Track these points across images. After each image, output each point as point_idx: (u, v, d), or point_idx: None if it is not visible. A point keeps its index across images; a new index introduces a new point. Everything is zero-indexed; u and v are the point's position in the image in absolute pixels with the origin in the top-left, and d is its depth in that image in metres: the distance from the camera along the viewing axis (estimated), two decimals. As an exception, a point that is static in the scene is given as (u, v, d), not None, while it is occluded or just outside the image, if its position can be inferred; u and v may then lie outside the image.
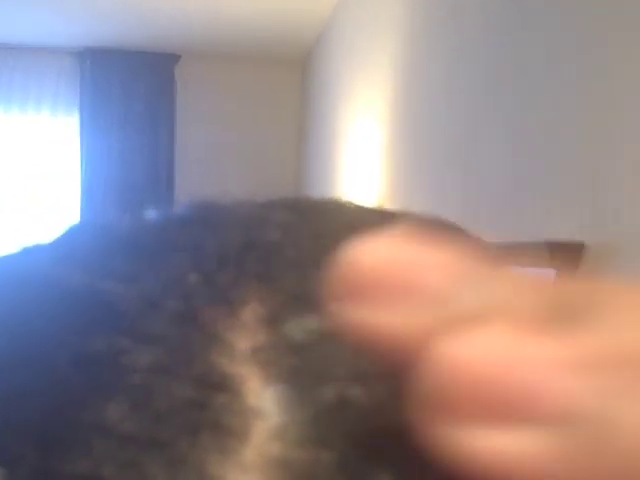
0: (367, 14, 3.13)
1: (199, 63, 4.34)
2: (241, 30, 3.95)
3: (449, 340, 0.12)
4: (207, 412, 0.16)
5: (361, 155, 3.09)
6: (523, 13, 1.77)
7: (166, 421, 0.16)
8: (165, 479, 0.15)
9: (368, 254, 0.14)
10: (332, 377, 0.17)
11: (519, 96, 1.76)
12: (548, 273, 1.41)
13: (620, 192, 1.36)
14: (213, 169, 4.36)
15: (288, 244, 0.20)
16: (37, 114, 4.26)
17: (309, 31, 3.94)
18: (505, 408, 0.12)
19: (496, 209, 1.82)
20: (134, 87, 4.26)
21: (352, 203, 0.24)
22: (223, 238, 0.20)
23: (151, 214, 0.22)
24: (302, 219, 0.22)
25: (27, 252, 0.21)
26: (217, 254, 0.19)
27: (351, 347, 0.15)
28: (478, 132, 1.98)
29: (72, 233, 0.22)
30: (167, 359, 0.17)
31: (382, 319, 0.13)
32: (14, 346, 0.18)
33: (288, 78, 4.50)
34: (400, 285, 0.13)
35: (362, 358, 0.16)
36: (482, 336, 0.12)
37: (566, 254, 1.41)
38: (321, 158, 3.85)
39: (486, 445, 0.12)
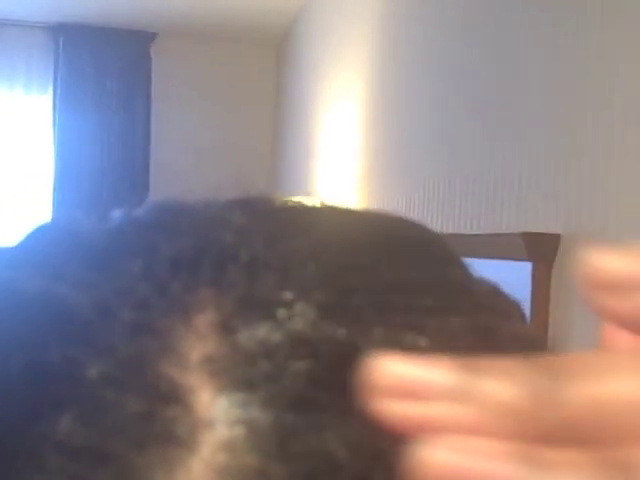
0: (345, -4, 3.12)
1: (175, 42, 4.30)
2: (218, 10, 3.92)
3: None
4: (156, 424, 0.16)
5: (337, 137, 3.08)
6: None
7: (115, 434, 0.16)
8: None
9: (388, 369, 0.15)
10: (280, 388, 0.17)
11: (498, 84, 1.77)
12: (525, 265, 1.42)
13: (595, 184, 1.37)
14: (188, 149, 4.33)
15: (242, 248, 0.20)
16: (10, 91, 4.20)
17: (285, 12, 3.91)
18: None
19: (473, 200, 1.83)
20: (109, 65, 4.22)
21: (313, 202, 0.23)
22: (178, 243, 0.20)
23: (115, 215, 0.22)
24: (258, 221, 0.21)
25: None
26: (172, 259, 0.19)
27: (299, 360, 0.17)
28: (456, 118, 1.99)
29: (34, 236, 0.22)
30: (118, 370, 0.17)
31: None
32: None
33: (264, 58, 4.48)
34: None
35: (309, 369, 0.17)
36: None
37: (542, 245, 1.42)
38: (296, 139, 3.84)
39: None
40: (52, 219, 0.22)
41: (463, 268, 0.23)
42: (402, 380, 0.15)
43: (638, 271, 0.16)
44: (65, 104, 4.17)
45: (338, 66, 3.14)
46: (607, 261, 0.16)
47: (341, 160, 3.00)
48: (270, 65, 4.49)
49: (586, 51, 1.43)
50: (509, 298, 0.23)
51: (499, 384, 0.14)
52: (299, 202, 0.23)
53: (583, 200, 1.40)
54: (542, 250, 1.41)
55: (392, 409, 0.15)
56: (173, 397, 0.16)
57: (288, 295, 0.18)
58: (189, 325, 0.18)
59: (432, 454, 0.14)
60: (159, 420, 0.16)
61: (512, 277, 1.18)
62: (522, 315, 0.23)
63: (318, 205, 0.23)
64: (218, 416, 0.16)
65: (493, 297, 0.23)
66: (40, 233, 0.22)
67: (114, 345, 0.17)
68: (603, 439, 0.14)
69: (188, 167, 4.21)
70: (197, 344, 0.17)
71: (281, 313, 0.18)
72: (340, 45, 3.13)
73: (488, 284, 0.23)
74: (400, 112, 2.44)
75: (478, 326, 0.20)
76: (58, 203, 4.12)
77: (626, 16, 1.32)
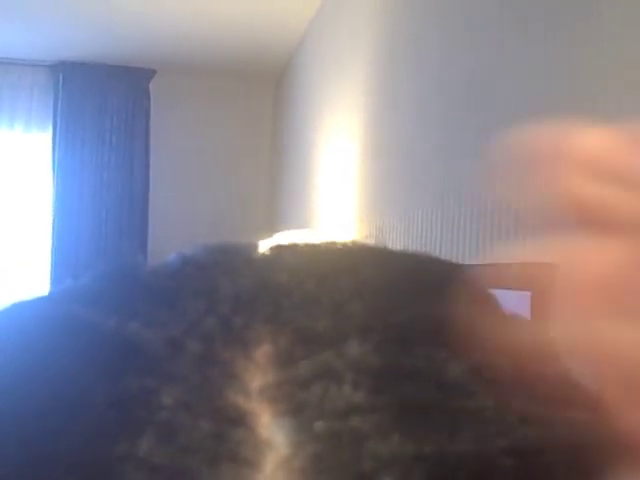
0: (341, 31, 3.15)
1: (174, 78, 4.33)
2: (216, 46, 3.96)
3: None
4: (226, 444, 0.18)
5: (335, 171, 3.10)
6: (505, 22, 1.80)
7: (190, 452, 0.18)
8: None
9: None
10: (331, 410, 0.19)
11: (501, 113, 1.78)
12: (524, 294, 1.43)
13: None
14: (188, 185, 4.35)
15: (295, 287, 0.22)
16: (10, 130, 4.23)
17: (283, 47, 3.96)
18: None
19: (470, 230, 1.84)
20: (108, 102, 4.25)
21: (348, 244, 0.26)
22: (236, 282, 0.22)
23: (171, 258, 0.24)
24: (307, 262, 0.24)
25: (56, 295, 0.24)
26: (232, 297, 0.21)
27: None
28: (452, 151, 2.00)
29: (97, 278, 0.24)
30: (189, 397, 0.19)
31: None
32: (52, 388, 0.20)
33: (262, 94, 4.52)
34: None
35: (360, 389, 0.19)
36: None
37: (539, 275, 1.43)
38: (295, 172, 3.85)
39: None
40: (116, 262, 0.24)
41: (496, 304, 0.25)
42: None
43: None
44: (64, 141, 4.19)
45: (335, 99, 3.17)
46: None
47: (340, 192, 3.02)
48: (268, 100, 4.52)
49: (579, 52, 1.45)
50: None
51: None
52: (342, 243, 0.25)
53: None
54: (539, 279, 1.42)
55: None
56: (239, 420, 0.18)
57: (338, 329, 0.20)
58: (250, 357, 0.20)
59: None
60: (228, 441, 0.18)
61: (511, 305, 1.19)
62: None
63: (357, 245, 0.25)
64: (277, 438, 0.18)
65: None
66: (101, 276, 0.24)
67: (184, 375, 0.19)
68: None
69: (187, 200, 4.23)
70: (257, 374, 0.19)
71: (333, 345, 0.20)
72: (337, 79, 3.16)
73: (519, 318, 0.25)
74: (396, 146, 2.46)
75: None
76: (57, 239, 4.13)
77: (618, 15, 1.34)
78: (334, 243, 0.26)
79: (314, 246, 0.25)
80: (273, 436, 0.18)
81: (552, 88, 1.56)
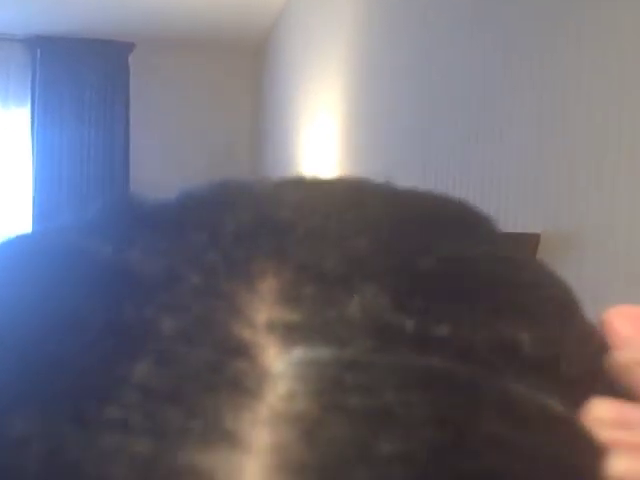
0: (321, 1, 3.13)
1: (153, 51, 4.29)
2: (195, 17, 3.92)
3: None
4: (225, 374, 0.17)
5: (316, 142, 3.09)
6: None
7: (187, 380, 0.17)
8: (181, 428, 0.17)
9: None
10: (340, 342, 0.18)
11: (477, 86, 1.78)
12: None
13: (575, 183, 1.38)
14: (168, 158, 4.32)
15: (299, 222, 0.21)
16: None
17: (263, 18, 3.92)
18: None
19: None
20: (87, 76, 4.20)
21: (356, 180, 0.25)
22: (239, 217, 0.21)
23: (175, 193, 0.23)
24: (312, 197, 0.23)
25: (56, 227, 0.23)
26: (233, 232, 0.21)
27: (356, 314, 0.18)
28: (438, 119, 2.00)
29: (103, 210, 0.23)
30: (189, 327, 0.18)
31: None
32: (47, 314, 0.19)
33: (242, 66, 4.48)
34: None
35: (372, 323, 0.18)
36: None
37: (522, 245, 1.44)
38: (276, 144, 3.84)
39: None
40: (118, 196, 0.23)
41: (510, 246, 0.24)
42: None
43: None
44: (43, 116, 4.15)
45: (316, 70, 3.15)
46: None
47: (321, 164, 3.01)
48: (249, 72, 4.49)
49: (572, 51, 1.44)
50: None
51: None
52: (349, 179, 0.25)
53: (562, 200, 1.41)
54: (522, 250, 1.42)
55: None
56: (241, 351, 0.18)
57: (344, 265, 0.20)
58: (252, 290, 0.19)
59: None
60: (228, 370, 0.17)
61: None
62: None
63: (365, 182, 0.24)
64: (283, 371, 0.18)
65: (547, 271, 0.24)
66: (109, 207, 0.23)
67: (184, 305, 0.19)
68: None
69: (169, 175, 4.21)
70: (262, 307, 0.19)
71: (341, 286, 0.19)
72: (318, 50, 3.14)
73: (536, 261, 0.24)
74: (379, 115, 2.45)
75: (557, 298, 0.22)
76: (38, 216, 4.11)
77: (616, 11, 1.34)
78: (342, 179, 0.25)
79: (320, 182, 0.25)
80: (278, 368, 0.18)
81: (527, 59, 1.55)
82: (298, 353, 0.18)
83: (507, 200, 1.59)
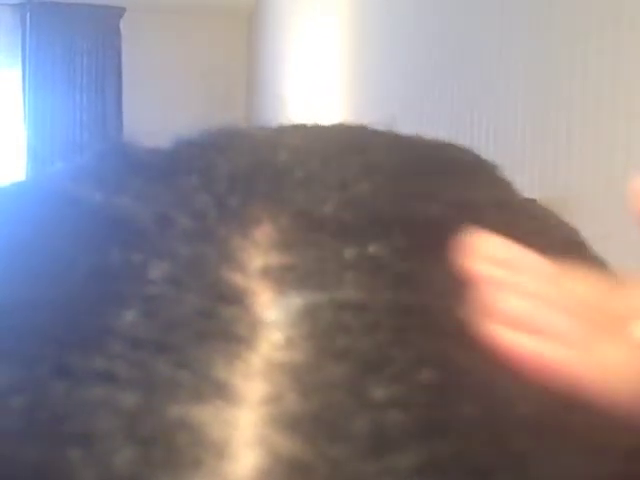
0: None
1: (145, 16, 4.25)
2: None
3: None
4: (216, 321, 0.17)
5: (312, 108, 3.07)
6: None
7: (176, 328, 0.16)
8: (170, 379, 0.16)
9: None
10: (339, 292, 0.17)
11: (464, 44, 1.77)
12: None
13: (570, 147, 1.38)
14: (161, 125, 4.29)
15: (296, 165, 0.20)
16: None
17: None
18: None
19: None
20: (78, 42, 4.17)
21: (357, 127, 0.24)
22: (233, 161, 0.20)
23: (170, 139, 0.23)
24: (309, 142, 0.22)
25: (48, 174, 0.23)
26: (227, 176, 0.20)
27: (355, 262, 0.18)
28: (435, 84, 1.99)
29: (90, 157, 0.23)
30: (179, 272, 0.17)
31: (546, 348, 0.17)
32: (32, 259, 0.19)
33: (235, 30, 4.45)
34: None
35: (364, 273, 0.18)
36: None
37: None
38: (271, 112, 3.82)
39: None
40: (112, 142, 0.23)
41: (516, 191, 0.23)
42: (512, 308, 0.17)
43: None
44: (34, 82, 4.12)
45: (310, 34, 3.12)
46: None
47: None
48: (242, 37, 4.45)
49: (568, 22, 1.43)
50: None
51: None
52: (349, 125, 0.24)
53: (558, 164, 1.41)
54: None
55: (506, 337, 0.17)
56: (233, 298, 0.17)
57: (343, 210, 0.19)
58: (247, 235, 0.18)
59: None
60: (219, 317, 0.17)
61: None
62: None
63: (367, 129, 0.24)
64: (277, 319, 0.17)
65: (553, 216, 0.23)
66: (101, 153, 0.23)
67: (174, 250, 0.18)
68: None
69: (162, 142, 4.19)
70: (256, 253, 0.18)
71: (341, 235, 0.18)
72: (311, 14, 3.11)
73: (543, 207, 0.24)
74: (379, 80, 2.44)
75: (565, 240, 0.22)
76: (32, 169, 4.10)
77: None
78: (343, 125, 0.24)
79: (321, 127, 0.24)
80: (272, 315, 0.17)
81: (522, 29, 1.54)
82: (293, 298, 0.17)
83: (502, 163, 1.59)
